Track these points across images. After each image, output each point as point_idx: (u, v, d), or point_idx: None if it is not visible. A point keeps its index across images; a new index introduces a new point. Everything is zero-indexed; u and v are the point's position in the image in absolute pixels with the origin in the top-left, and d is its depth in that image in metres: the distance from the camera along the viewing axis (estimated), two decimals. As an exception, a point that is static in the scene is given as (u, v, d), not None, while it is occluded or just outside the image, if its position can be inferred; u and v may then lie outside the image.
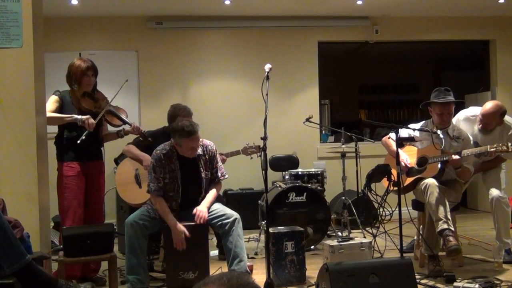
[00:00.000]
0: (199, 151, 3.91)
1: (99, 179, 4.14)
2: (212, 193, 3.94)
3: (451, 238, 3.82)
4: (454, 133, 4.25)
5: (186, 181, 3.88)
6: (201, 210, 3.78)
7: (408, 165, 4.23)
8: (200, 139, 3.92)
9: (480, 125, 4.37)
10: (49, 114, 3.87)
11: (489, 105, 4.33)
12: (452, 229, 3.91)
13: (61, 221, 4.00)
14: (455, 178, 4.26)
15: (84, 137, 3.84)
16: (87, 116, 3.88)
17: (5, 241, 2.78)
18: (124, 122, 4.16)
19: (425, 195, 3.99)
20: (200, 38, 6.74)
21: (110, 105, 4.10)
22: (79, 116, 3.89)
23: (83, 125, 3.86)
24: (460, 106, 4.60)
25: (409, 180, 4.22)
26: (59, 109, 4.00)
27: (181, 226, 3.71)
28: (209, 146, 3.99)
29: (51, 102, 3.97)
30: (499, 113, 4.30)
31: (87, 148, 3.99)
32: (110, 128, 4.27)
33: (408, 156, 4.30)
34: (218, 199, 4.04)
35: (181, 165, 3.87)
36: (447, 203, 3.94)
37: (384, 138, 4.51)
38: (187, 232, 3.71)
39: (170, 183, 3.85)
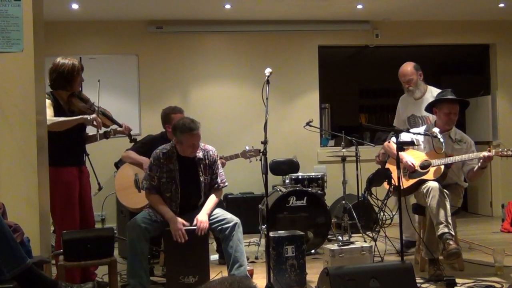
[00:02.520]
0: (200, 155, 3.91)
1: (85, 184, 3.99)
2: (212, 200, 3.91)
3: (451, 242, 3.81)
4: (456, 136, 4.26)
5: (184, 183, 3.88)
6: (202, 220, 3.73)
7: (414, 166, 4.20)
8: (202, 144, 3.93)
9: (408, 86, 4.79)
10: (55, 119, 3.73)
11: (403, 67, 4.94)
12: (453, 233, 3.90)
13: (53, 223, 3.93)
14: (456, 182, 4.26)
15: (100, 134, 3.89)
16: (95, 116, 3.79)
17: (5, 245, 2.77)
18: (115, 123, 4.09)
19: (427, 198, 3.98)
20: (200, 42, 6.75)
21: (99, 106, 4.01)
22: (87, 116, 3.78)
23: (94, 125, 3.80)
24: (464, 108, 4.51)
25: (411, 181, 4.20)
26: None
27: (178, 218, 3.72)
28: (211, 152, 3.98)
29: (48, 108, 3.80)
30: (413, 65, 4.85)
31: (73, 152, 3.93)
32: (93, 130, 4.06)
33: (412, 159, 4.29)
34: (218, 204, 4.03)
35: (180, 166, 3.86)
36: (448, 207, 3.93)
37: (385, 143, 4.50)
38: (186, 223, 3.72)
39: (167, 183, 3.84)
